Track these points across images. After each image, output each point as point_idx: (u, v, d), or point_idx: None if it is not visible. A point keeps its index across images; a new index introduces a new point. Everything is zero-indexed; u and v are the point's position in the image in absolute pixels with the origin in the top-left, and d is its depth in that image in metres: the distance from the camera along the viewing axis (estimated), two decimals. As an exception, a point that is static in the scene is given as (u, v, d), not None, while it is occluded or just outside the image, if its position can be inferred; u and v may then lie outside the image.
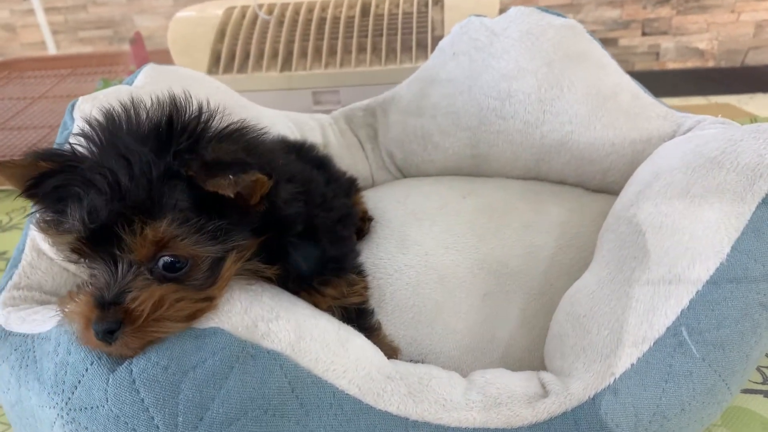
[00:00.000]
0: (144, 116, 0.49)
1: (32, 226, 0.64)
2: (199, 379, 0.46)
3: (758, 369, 0.72)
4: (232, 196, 0.44)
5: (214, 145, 0.47)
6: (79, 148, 0.48)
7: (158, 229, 0.44)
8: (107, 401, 0.46)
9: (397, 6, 1.58)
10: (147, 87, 0.78)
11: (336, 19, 1.58)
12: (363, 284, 0.64)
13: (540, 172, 0.94)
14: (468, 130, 0.95)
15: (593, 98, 0.87)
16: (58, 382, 0.49)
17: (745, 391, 0.68)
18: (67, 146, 0.49)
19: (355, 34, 1.55)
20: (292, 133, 0.96)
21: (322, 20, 1.58)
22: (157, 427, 0.45)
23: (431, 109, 0.98)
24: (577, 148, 0.88)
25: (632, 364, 0.52)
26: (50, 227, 0.47)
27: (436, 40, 1.13)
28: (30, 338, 0.55)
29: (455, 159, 0.98)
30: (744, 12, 2.15)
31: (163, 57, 1.55)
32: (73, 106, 0.71)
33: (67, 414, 0.48)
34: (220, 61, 1.55)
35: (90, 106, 0.69)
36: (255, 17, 1.60)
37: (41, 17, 2.35)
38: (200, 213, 0.46)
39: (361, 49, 1.55)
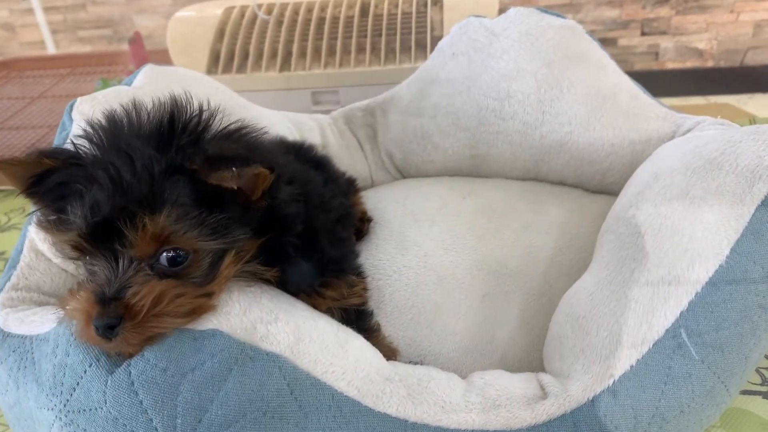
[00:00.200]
0: (145, 117, 0.49)
1: (32, 226, 0.64)
2: (197, 381, 0.46)
3: (757, 370, 0.72)
4: (235, 188, 0.45)
5: (215, 142, 0.48)
6: (82, 148, 0.48)
7: (159, 223, 0.44)
8: (106, 403, 0.46)
9: (396, 6, 1.58)
10: (146, 87, 0.78)
11: (335, 19, 1.58)
12: (362, 285, 0.64)
13: (539, 172, 0.94)
14: (467, 131, 0.95)
15: (592, 99, 0.87)
16: (57, 384, 0.49)
17: (744, 392, 0.68)
18: (69, 145, 0.49)
19: (354, 34, 1.55)
20: (291, 134, 0.96)
21: (321, 20, 1.58)
22: (156, 429, 0.45)
23: (431, 109, 0.98)
24: (577, 148, 0.88)
25: (631, 366, 0.52)
26: (51, 225, 0.47)
27: (435, 40, 1.13)
28: (28, 339, 0.54)
29: (454, 159, 0.98)
30: (743, 12, 2.15)
31: (162, 57, 1.55)
32: (71, 107, 0.70)
33: (66, 416, 0.48)
34: (219, 61, 1.55)
35: (89, 107, 0.69)
36: (254, 17, 1.60)
37: (40, 16, 2.34)
38: (201, 207, 0.46)
39: (360, 49, 1.54)
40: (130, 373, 0.46)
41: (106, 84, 1.64)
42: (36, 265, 0.65)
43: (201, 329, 0.48)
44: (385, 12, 1.57)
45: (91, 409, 0.47)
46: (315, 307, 0.58)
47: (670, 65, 2.26)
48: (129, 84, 0.79)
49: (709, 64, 2.23)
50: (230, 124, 0.50)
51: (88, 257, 0.47)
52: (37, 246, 0.65)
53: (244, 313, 0.50)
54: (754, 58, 2.20)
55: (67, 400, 0.48)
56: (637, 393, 0.51)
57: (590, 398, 0.52)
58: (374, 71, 1.50)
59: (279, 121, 0.96)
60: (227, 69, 1.54)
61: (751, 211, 0.55)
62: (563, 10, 2.07)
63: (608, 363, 0.53)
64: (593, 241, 0.71)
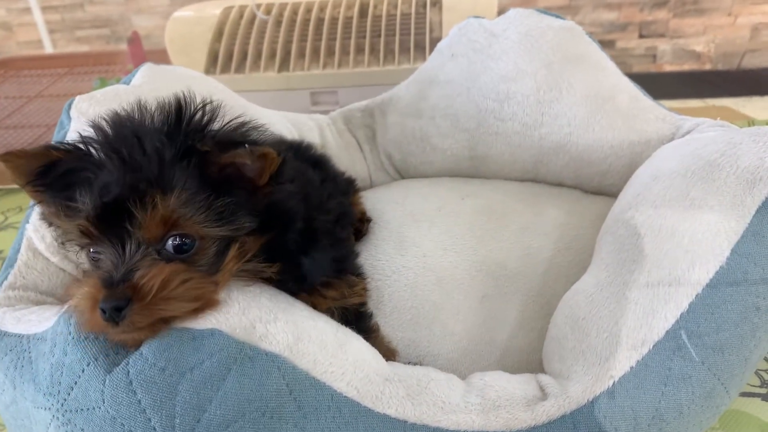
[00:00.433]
0: (151, 112, 0.50)
1: (31, 224, 0.64)
2: (196, 380, 0.46)
3: (756, 372, 0.72)
4: (249, 163, 0.46)
5: (222, 132, 0.49)
6: (89, 139, 0.49)
7: (169, 204, 0.45)
8: (104, 402, 0.46)
9: (395, 7, 1.58)
10: (144, 86, 0.78)
11: (334, 20, 1.58)
12: (362, 285, 0.64)
13: (538, 173, 0.94)
14: (466, 132, 0.95)
15: (592, 100, 0.87)
16: (54, 383, 0.49)
17: (743, 394, 0.68)
18: (76, 136, 0.49)
19: (353, 35, 1.55)
20: (290, 133, 0.96)
21: (320, 21, 1.58)
22: (154, 429, 0.45)
23: (430, 110, 0.98)
24: (576, 150, 0.88)
25: (631, 367, 0.52)
26: (59, 212, 0.47)
27: (434, 41, 1.13)
28: (25, 339, 0.54)
29: (453, 160, 0.98)
30: (741, 15, 2.16)
31: (161, 57, 1.55)
32: (70, 105, 0.70)
33: (63, 415, 0.47)
34: (218, 61, 1.55)
35: (87, 105, 0.69)
36: (253, 17, 1.60)
37: (38, 16, 2.34)
38: (209, 191, 0.47)
39: (359, 50, 1.54)
40: (129, 372, 0.46)
41: (103, 83, 1.64)
42: (33, 264, 0.64)
43: (200, 328, 0.48)
44: (383, 13, 1.57)
45: (88, 409, 0.46)
46: (315, 306, 0.58)
47: (668, 68, 2.26)
48: (127, 83, 0.79)
49: (707, 66, 2.24)
50: (233, 119, 0.51)
51: (94, 245, 0.48)
52: (34, 245, 0.65)
53: (243, 312, 0.50)
54: (752, 61, 2.21)
55: (65, 400, 0.48)
56: (636, 394, 0.51)
57: (590, 399, 0.52)
58: (373, 72, 1.50)
59: (278, 121, 0.96)
60: (225, 69, 1.54)
61: (752, 212, 0.55)
62: (561, 12, 2.07)
63: (608, 364, 0.53)
64: (592, 242, 0.71)
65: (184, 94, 0.50)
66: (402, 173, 1.06)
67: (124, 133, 0.47)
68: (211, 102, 0.50)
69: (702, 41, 2.21)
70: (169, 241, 0.47)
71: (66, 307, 0.51)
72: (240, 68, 1.55)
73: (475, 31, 0.96)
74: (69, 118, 0.70)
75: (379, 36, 1.54)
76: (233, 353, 0.47)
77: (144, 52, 1.77)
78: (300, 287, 0.57)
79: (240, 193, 0.48)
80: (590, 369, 0.54)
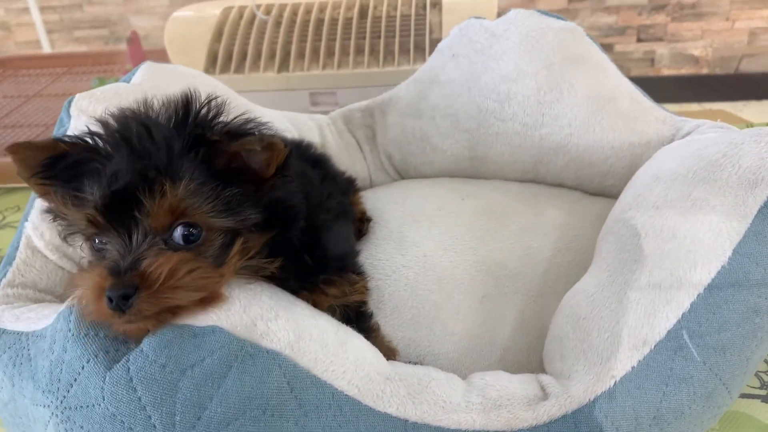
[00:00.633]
0: (157, 108, 0.50)
1: (33, 217, 0.64)
2: (197, 377, 0.46)
3: (756, 374, 0.72)
4: (258, 149, 0.46)
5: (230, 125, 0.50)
6: (97, 132, 0.49)
7: (177, 193, 0.45)
8: (103, 399, 0.46)
9: (395, 8, 1.58)
10: (144, 84, 0.77)
11: (334, 21, 1.58)
12: (363, 283, 0.64)
13: (538, 174, 0.94)
14: (467, 132, 0.95)
15: (592, 101, 0.87)
16: (53, 381, 0.48)
17: (743, 395, 0.68)
18: (84, 130, 0.50)
19: (353, 36, 1.55)
20: (290, 133, 0.96)
21: (320, 21, 1.58)
22: (154, 426, 0.45)
23: (430, 110, 0.98)
24: (576, 150, 0.88)
25: (633, 367, 0.52)
26: (66, 202, 0.47)
27: (434, 42, 1.13)
28: (24, 336, 0.54)
29: (454, 161, 0.98)
30: (738, 20, 2.17)
31: (160, 57, 1.55)
32: (70, 103, 0.70)
33: (62, 413, 0.47)
34: (217, 61, 1.55)
35: (87, 103, 0.69)
36: (253, 17, 1.60)
37: (36, 16, 2.33)
38: (217, 183, 0.47)
39: (359, 50, 1.55)
40: (129, 369, 0.46)
41: (102, 83, 1.63)
42: (32, 262, 0.64)
43: (201, 326, 0.48)
44: (383, 14, 1.57)
45: (88, 406, 0.46)
46: (316, 304, 0.57)
47: (666, 72, 2.27)
48: (127, 81, 0.79)
49: (705, 71, 2.24)
50: (239, 115, 0.51)
51: (100, 235, 0.48)
52: (33, 243, 0.65)
53: (245, 310, 0.50)
54: (749, 66, 2.22)
55: (64, 397, 0.47)
56: (638, 394, 0.51)
57: (591, 399, 0.52)
58: (372, 73, 1.50)
59: (278, 121, 0.96)
60: (225, 69, 1.54)
61: (754, 212, 0.55)
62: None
63: (609, 364, 0.53)
64: (592, 242, 0.71)
65: (190, 90, 0.50)
66: (402, 173, 1.06)
67: (132, 125, 0.48)
68: (216, 98, 0.50)
69: (700, 45, 2.22)
70: (177, 231, 0.47)
71: (69, 300, 0.51)
72: (239, 68, 1.54)
73: (476, 32, 0.96)
74: (69, 115, 0.69)
75: (379, 37, 1.54)
76: (234, 351, 0.47)
77: (143, 52, 1.77)
78: (301, 285, 0.57)
79: (246, 186, 0.49)
80: (591, 369, 0.54)
